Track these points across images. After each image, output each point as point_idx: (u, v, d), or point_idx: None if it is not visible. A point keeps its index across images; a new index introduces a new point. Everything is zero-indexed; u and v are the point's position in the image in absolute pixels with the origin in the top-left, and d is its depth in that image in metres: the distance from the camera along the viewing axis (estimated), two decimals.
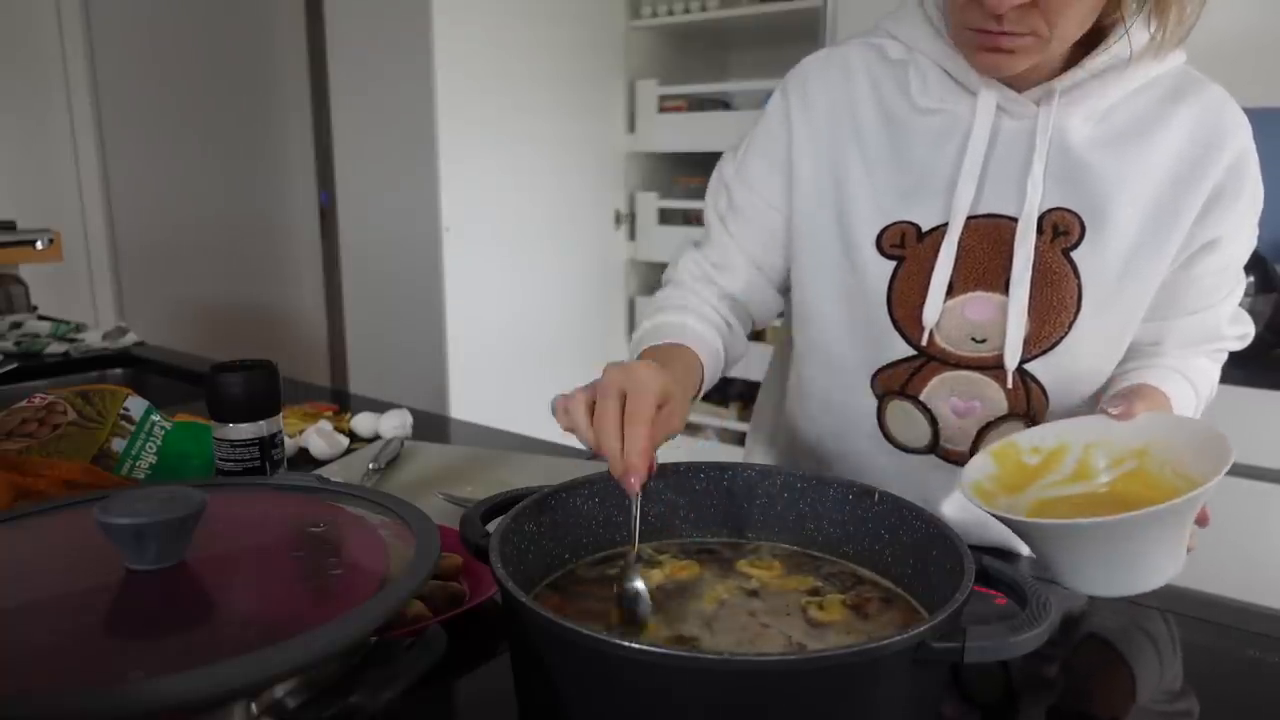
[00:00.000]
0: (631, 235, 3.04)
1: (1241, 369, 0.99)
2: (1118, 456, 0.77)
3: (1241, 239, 0.85)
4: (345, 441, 1.13)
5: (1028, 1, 0.71)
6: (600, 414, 0.64)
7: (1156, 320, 0.87)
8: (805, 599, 0.63)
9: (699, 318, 0.90)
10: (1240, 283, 0.90)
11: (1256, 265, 0.89)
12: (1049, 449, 0.78)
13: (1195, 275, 0.85)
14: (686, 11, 2.83)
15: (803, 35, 2.46)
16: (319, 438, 1.10)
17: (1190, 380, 0.88)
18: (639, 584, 0.62)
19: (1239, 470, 1.76)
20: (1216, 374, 0.93)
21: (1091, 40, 0.79)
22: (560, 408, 0.67)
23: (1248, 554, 1.80)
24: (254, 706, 0.41)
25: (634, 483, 0.62)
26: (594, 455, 1.10)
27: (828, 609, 0.62)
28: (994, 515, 0.69)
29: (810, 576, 0.67)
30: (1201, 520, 0.70)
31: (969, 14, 0.75)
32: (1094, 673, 0.68)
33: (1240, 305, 0.92)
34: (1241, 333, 0.92)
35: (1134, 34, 0.78)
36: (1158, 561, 0.67)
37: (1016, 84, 0.82)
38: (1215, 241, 0.83)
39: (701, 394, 0.87)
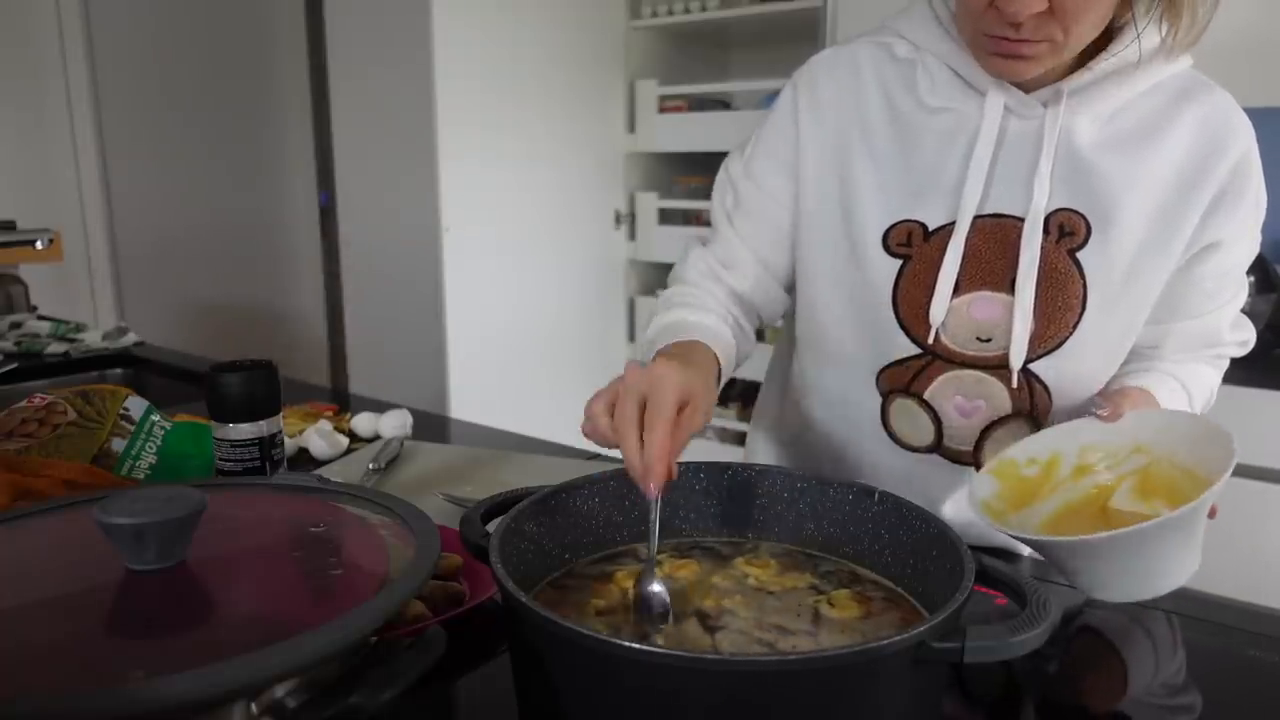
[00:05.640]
0: (631, 235, 3.04)
1: (1242, 369, 0.99)
2: (1114, 456, 0.78)
3: (1243, 244, 0.85)
4: (345, 441, 1.13)
5: (1044, 10, 0.71)
6: (619, 416, 0.63)
7: (1156, 324, 0.87)
8: (815, 597, 0.63)
9: (712, 315, 0.88)
10: (1242, 289, 0.89)
11: (1257, 265, 0.89)
12: (1045, 459, 0.79)
13: (1196, 279, 0.85)
14: (686, 11, 2.83)
15: (803, 35, 2.46)
16: (319, 438, 1.10)
17: (1185, 385, 0.88)
18: (657, 587, 0.62)
19: (1239, 470, 1.76)
20: (1216, 381, 0.93)
21: (1100, 42, 0.79)
22: (585, 414, 0.66)
23: (1248, 554, 1.80)
24: (254, 706, 0.41)
25: (652, 487, 0.61)
26: (594, 456, 1.10)
27: (838, 605, 0.62)
28: (1012, 536, 0.70)
29: (808, 574, 0.67)
30: (1210, 514, 0.70)
31: (985, 20, 0.75)
32: (1095, 672, 0.68)
33: (1241, 309, 0.92)
34: (1242, 339, 0.92)
35: (1144, 36, 0.78)
36: (1177, 562, 0.69)
37: (1025, 85, 0.82)
38: (1217, 244, 0.83)
39: (718, 392, 0.86)
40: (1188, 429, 0.75)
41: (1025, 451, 0.79)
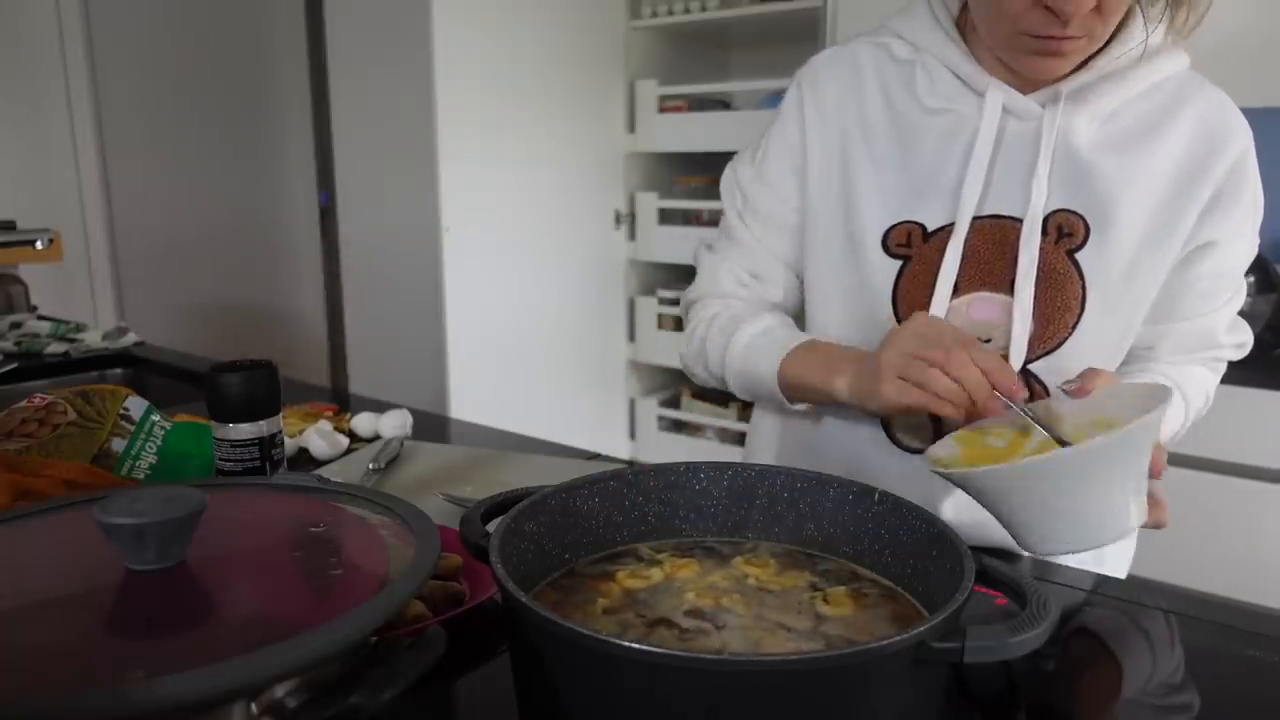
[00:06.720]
0: (631, 235, 3.04)
1: (1242, 369, 0.99)
2: (1079, 430, 0.77)
3: (1240, 245, 0.85)
4: (345, 441, 1.13)
5: (1094, 5, 0.71)
6: (953, 363, 0.72)
7: (1152, 325, 0.87)
8: (810, 594, 0.63)
9: (781, 323, 0.94)
10: (1239, 291, 0.89)
11: (1256, 265, 0.89)
12: (1013, 433, 0.79)
13: (1191, 279, 0.85)
14: (686, 11, 2.83)
15: (803, 35, 2.46)
16: (319, 438, 1.10)
17: (1179, 387, 0.88)
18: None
19: (1239, 470, 1.76)
20: (1212, 383, 0.93)
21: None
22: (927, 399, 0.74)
23: (1248, 554, 1.80)
24: (254, 706, 0.41)
25: (1014, 388, 0.72)
26: (594, 456, 1.10)
27: (834, 602, 0.62)
28: (937, 473, 0.70)
29: (807, 573, 0.67)
30: (1155, 471, 0.70)
31: (1030, 20, 0.74)
32: (1093, 671, 0.68)
33: (1240, 310, 0.91)
34: (1239, 341, 0.92)
35: (1151, 31, 0.78)
36: (1104, 511, 0.67)
37: (1023, 85, 0.82)
38: (1213, 244, 0.83)
39: None
40: (1139, 395, 0.74)
41: (995, 423, 0.79)
